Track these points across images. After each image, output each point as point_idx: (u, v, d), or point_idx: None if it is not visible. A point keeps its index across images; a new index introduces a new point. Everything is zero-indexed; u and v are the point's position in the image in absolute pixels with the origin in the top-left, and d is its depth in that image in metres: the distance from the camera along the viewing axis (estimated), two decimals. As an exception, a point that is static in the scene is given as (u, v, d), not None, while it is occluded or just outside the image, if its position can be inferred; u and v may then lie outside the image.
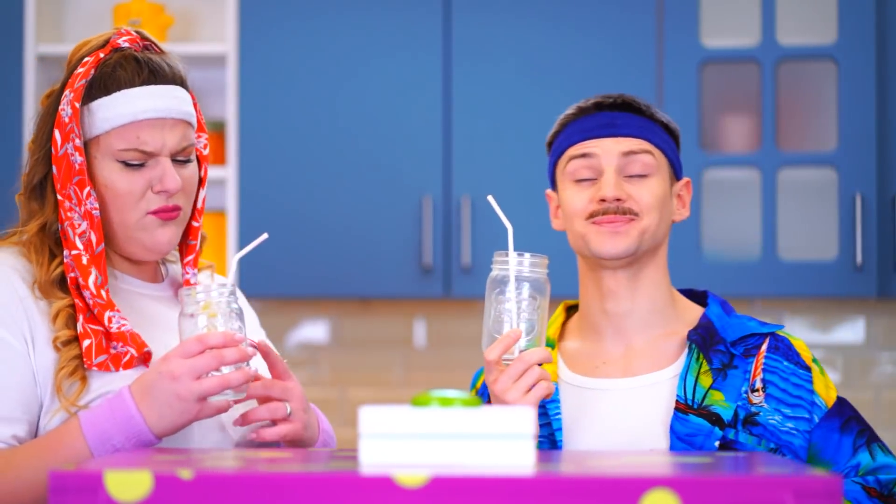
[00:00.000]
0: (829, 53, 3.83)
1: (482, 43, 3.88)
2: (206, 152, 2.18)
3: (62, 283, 2.06)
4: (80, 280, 2.03)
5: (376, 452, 1.61)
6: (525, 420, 1.61)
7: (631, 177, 2.22)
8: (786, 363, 2.18)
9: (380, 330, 4.21)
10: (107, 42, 2.11)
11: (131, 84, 2.07)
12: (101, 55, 2.08)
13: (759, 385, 2.17)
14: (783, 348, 2.20)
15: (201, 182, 2.18)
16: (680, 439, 2.13)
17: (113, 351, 2.01)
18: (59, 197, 2.06)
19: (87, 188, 2.04)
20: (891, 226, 3.77)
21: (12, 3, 3.93)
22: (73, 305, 2.03)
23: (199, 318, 1.93)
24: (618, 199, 2.19)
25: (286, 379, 2.10)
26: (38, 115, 2.13)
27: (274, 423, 2.08)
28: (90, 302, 2.03)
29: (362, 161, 3.87)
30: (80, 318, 2.02)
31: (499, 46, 3.88)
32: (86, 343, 2.00)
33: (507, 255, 2.08)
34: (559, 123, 2.30)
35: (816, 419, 2.16)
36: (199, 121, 2.17)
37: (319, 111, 3.88)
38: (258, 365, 2.14)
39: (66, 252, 2.05)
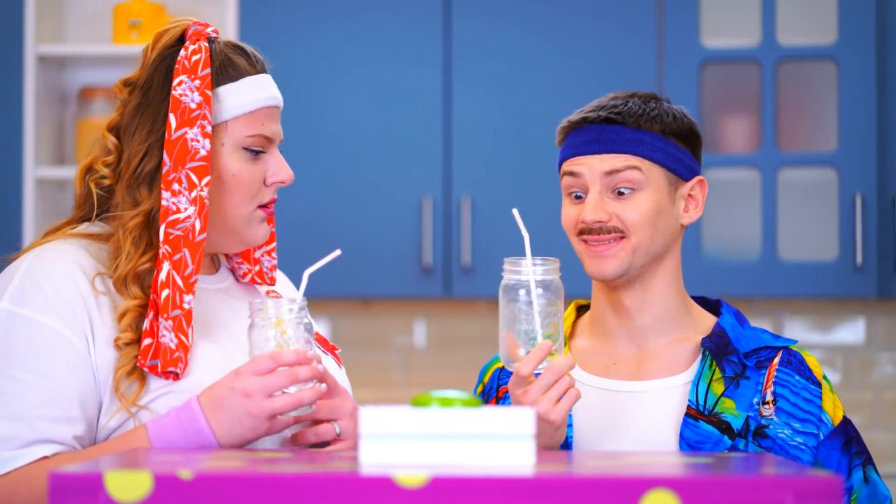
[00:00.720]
0: (830, 54, 3.83)
1: (482, 43, 3.88)
2: None
3: (143, 279, 2.02)
4: (174, 273, 1.99)
5: (376, 453, 1.61)
6: (525, 420, 1.61)
7: (619, 193, 2.19)
8: (797, 377, 2.18)
9: (380, 330, 4.21)
10: (184, 31, 2.09)
11: (249, 72, 2.08)
12: (204, 44, 2.06)
13: (769, 398, 2.16)
14: (795, 363, 2.19)
15: None
16: (689, 445, 2.13)
17: (166, 346, 1.98)
18: (161, 185, 2.02)
19: (208, 177, 2.01)
20: (891, 226, 3.77)
21: (12, 3, 3.93)
22: (143, 306, 1.99)
23: (269, 332, 1.91)
24: (598, 222, 2.18)
25: (335, 395, 2.04)
26: (132, 102, 2.08)
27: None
28: (171, 301, 1.99)
29: (362, 161, 3.87)
30: (151, 314, 1.98)
31: (499, 47, 3.88)
32: (146, 342, 1.97)
33: (519, 262, 2.06)
34: (558, 132, 2.28)
35: (822, 436, 2.15)
36: None
37: (320, 111, 3.88)
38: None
39: (162, 235, 2.01)
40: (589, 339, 2.28)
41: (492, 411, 1.62)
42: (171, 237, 2.00)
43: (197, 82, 2.03)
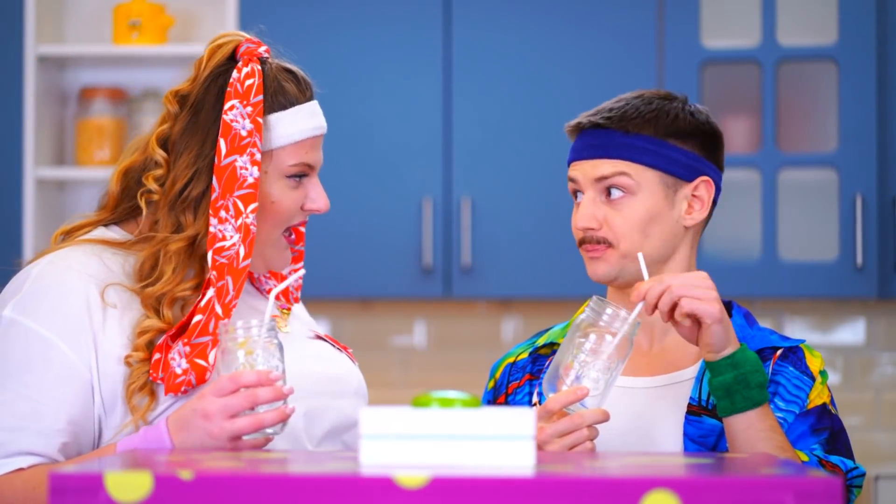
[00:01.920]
0: (830, 54, 3.83)
1: (482, 44, 3.89)
2: None
3: (180, 305, 2.02)
4: (215, 300, 1.99)
5: (376, 453, 1.61)
6: (525, 421, 1.61)
7: (611, 196, 2.20)
8: (791, 368, 2.19)
9: (380, 330, 4.22)
10: (235, 49, 2.07)
11: (299, 100, 2.08)
12: (257, 67, 2.05)
13: (771, 390, 2.17)
14: (793, 358, 2.20)
15: None
16: (692, 441, 2.14)
17: (170, 369, 1.97)
18: (210, 211, 2.01)
19: (255, 204, 2.01)
20: (891, 226, 3.77)
21: (12, 3, 3.93)
22: (163, 331, 1.98)
23: (237, 354, 1.90)
24: (590, 228, 2.19)
25: None
26: (182, 121, 2.06)
27: None
28: (201, 325, 1.98)
29: (362, 162, 3.87)
30: (168, 334, 1.98)
31: (499, 47, 3.88)
32: (155, 357, 1.96)
33: (604, 307, 2.02)
34: (567, 135, 2.30)
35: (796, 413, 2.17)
36: None
37: (320, 111, 3.89)
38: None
39: (210, 261, 2.01)
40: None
41: (492, 412, 1.62)
42: (216, 264, 2.00)
43: (249, 109, 2.02)
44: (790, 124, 3.91)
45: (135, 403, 1.96)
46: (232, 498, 1.49)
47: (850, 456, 2.18)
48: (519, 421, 1.61)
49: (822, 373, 2.21)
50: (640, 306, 2.02)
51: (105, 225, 2.10)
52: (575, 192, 2.25)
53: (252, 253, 2.02)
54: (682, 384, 2.19)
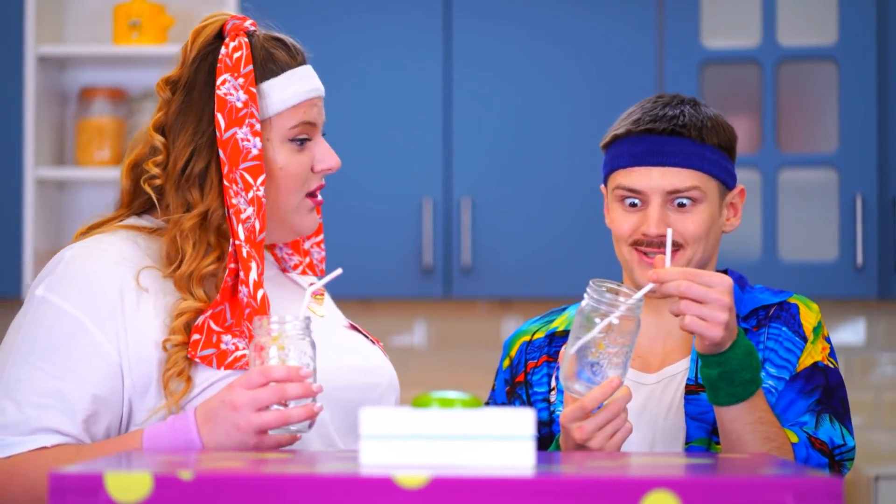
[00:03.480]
0: (830, 54, 3.83)
1: (482, 44, 3.89)
2: None
3: (208, 281, 2.03)
4: (241, 274, 2.00)
5: (377, 453, 1.61)
6: (525, 421, 1.61)
7: (680, 204, 2.20)
8: (785, 329, 2.20)
9: (380, 330, 4.21)
10: (222, 27, 2.09)
11: (290, 65, 2.09)
12: (244, 39, 2.07)
13: (762, 358, 2.18)
14: (786, 316, 2.22)
15: None
16: (693, 419, 2.16)
17: (223, 347, 1.98)
18: (225, 183, 2.02)
19: (263, 175, 2.02)
20: (891, 227, 3.77)
21: (12, 3, 3.93)
22: (201, 311, 1.99)
23: (269, 349, 1.90)
24: (662, 236, 2.18)
25: None
26: (176, 102, 2.09)
27: None
28: (245, 300, 1.99)
29: (362, 162, 3.87)
30: (209, 312, 1.98)
31: (499, 47, 3.89)
32: (194, 337, 1.97)
33: (604, 289, 2.00)
34: (612, 135, 2.27)
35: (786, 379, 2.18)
36: None
37: (320, 111, 3.89)
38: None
39: (232, 242, 2.02)
40: None
41: (492, 412, 1.62)
42: (236, 244, 2.01)
43: (241, 80, 2.03)
44: (790, 124, 3.91)
45: (171, 389, 1.96)
46: (232, 498, 1.49)
47: (846, 413, 2.19)
48: (519, 421, 1.61)
49: (816, 329, 2.21)
50: (646, 289, 2.01)
51: (137, 214, 2.11)
52: (623, 198, 2.23)
53: (266, 226, 2.03)
54: (683, 372, 2.22)
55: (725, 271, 2.31)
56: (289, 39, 2.14)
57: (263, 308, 1.99)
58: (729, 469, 1.70)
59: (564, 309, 2.36)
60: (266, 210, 2.04)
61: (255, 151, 2.02)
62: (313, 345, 1.92)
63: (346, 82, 3.89)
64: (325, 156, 2.12)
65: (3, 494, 1.95)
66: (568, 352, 2.01)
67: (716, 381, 2.04)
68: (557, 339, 2.29)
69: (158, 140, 2.08)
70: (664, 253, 2.11)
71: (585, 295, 2.01)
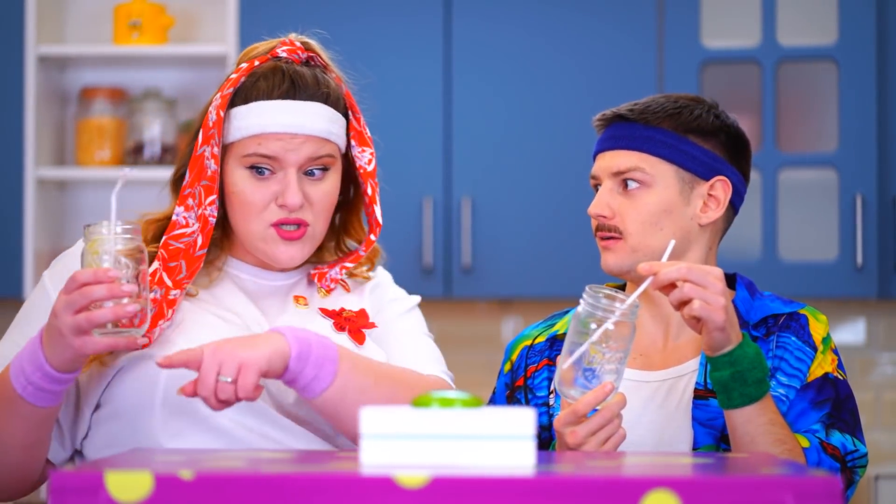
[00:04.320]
0: (830, 54, 3.83)
1: (482, 43, 3.89)
2: (369, 168, 2.30)
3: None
4: (163, 273, 2.07)
5: (377, 453, 1.61)
6: (525, 421, 1.61)
7: (626, 187, 2.22)
8: (794, 339, 2.20)
9: (380, 330, 4.21)
10: (270, 49, 2.15)
11: (268, 97, 2.10)
12: (257, 63, 2.12)
13: (770, 366, 2.18)
14: (795, 327, 2.22)
15: (370, 199, 2.31)
16: (701, 424, 2.15)
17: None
18: (185, 193, 2.11)
19: (213, 196, 2.09)
20: (891, 226, 3.77)
21: (12, 3, 3.93)
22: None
23: (87, 255, 1.96)
24: (602, 216, 2.21)
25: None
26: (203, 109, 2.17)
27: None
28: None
29: (363, 161, 3.87)
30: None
31: (499, 47, 3.88)
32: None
33: (600, 295, 2.01)
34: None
35: (797, 388, 2.18)
36: (360, 134, 2.28)
37: (320, 111, 3.88)
38: None
39: (164, 239, 2.10)
40: None
41: (492, 411, 1.62)
42: (170, 248, 2.09)
43: (218, 101, 2.09)
44: (790, 124, 3.91)
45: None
46: (232, 498, 1.49)
47: (857, 424, 2.19)
48: (519, 421, 1.61)
49: (825, 340, 2.22)
50: (645, 284, 2.01)
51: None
52: (595, 186, 2.27)
53: (208, 244, 2.10)
54: (690, 374, 2.21)
55: (734, 276, 2.30)
56: (294, 70, 2.15)
57: (165, 306, 2.06)
58: (729, 468, 1.70)
59: (566, 312, 2.36)
60: (231, 232, 2.15)
61: (209, 172, 2.09)
62: (139, 260, 1.95)
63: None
64: (283, 190, 2.11)
65: None
66: (563, 357, 2.02)
67: (728, 382, 2.03)
68: (558, 343, 2.30)
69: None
70: (610, 239, 2.20)
71: (581, 301, 2.02)
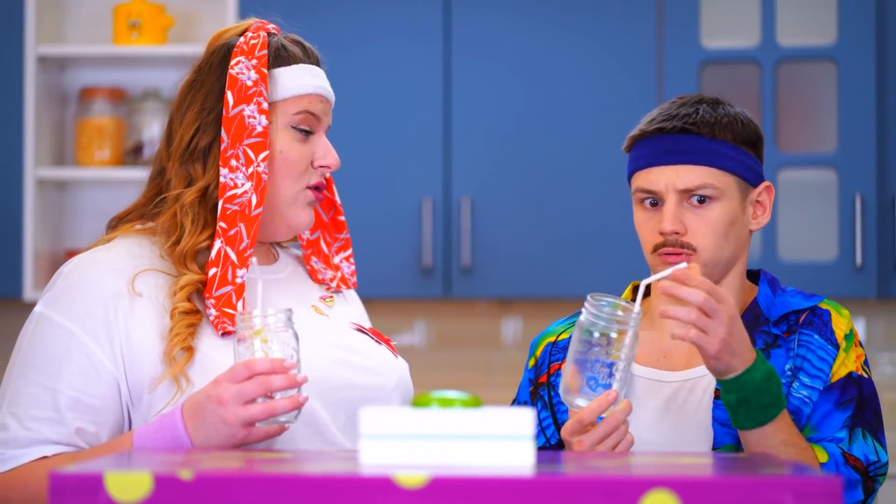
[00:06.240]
0: (829, 54, 3.83)
1: (482, 43, 3.89)
2: None
3: (201, 256, 2.06)
4: (227, 249, 2.04)
5: (376, 453, 1.61)
6: (525, 421, 1.61)
7: (697, 201, 2.20)
8: (817, 337, 2.20)
9: (380, 330, 4.21)
10: (242, 31, 2.15)
11: (304, 61, 2.17)
12: (263, 34, 2.14)
13: (792, 365, 2.18)
14: (818, 323, 2.21)
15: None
16: (722, 425, 2.16)
17: (238, 281, 2.02)
18: (227, 155, 2.07)
19: (265, 152, 2.07)
20: (891, 226, 3.77)
21: (12, 3, 3.93)
22: (203, 282, 2.03)
23: (253, 342, 1.91)
24: (676, 233, 2.18)
25: None
26: (185, 80, 2.14)
27: None
28: (231, 264, 2.04)
29: (362, 161, 3.87)
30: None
31: (499, 47, 3.89)
32: (211, 272, 2.02)
33: (602, 303, 2.00)
34: (629, 138, 2.28)
35: (820, 389, 2.17)
36: None
37: (319, 112, 3.89)
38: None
39: (220, 212, 2.06)
40: (643, 328, 2.27)
41: (492, 411, 1.62)
42: (228, 212, 2.05)
43: (254, 61, 2.09)
44: (790, 124, 3.91)
45: (175, 355, 1.98)
46: (232, 498, 1.49)
47: (880, 424, 2.19)
48: (519, 421, 1.61)
49: (848, 337, 2.21)
50: (668, 272, 2.01)
51: (141, 218, 2.15)
52: (642, 198, 2.24)
53: (264, 201, 2.07)
54: (711, 375, 2.20)
55: (759, 272, 2.30)
56: (308, 45, 2.21)
57: (242, 287, 2.03)
58: (729, 469, 1.70)
59: None
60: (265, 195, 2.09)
61: (259, 128, 2.07)
62: (296, 336, 1.94)
63: (345, 81, 3.89)
64: (325, 152, 2.16)
65: None
66: (566, 366, 2.02)
67: (734, 405, 2.04)
68: None
69: (169, 116, 2.15)
70: (682, 254, 2.16)
71: (583, 309, 2.02)
